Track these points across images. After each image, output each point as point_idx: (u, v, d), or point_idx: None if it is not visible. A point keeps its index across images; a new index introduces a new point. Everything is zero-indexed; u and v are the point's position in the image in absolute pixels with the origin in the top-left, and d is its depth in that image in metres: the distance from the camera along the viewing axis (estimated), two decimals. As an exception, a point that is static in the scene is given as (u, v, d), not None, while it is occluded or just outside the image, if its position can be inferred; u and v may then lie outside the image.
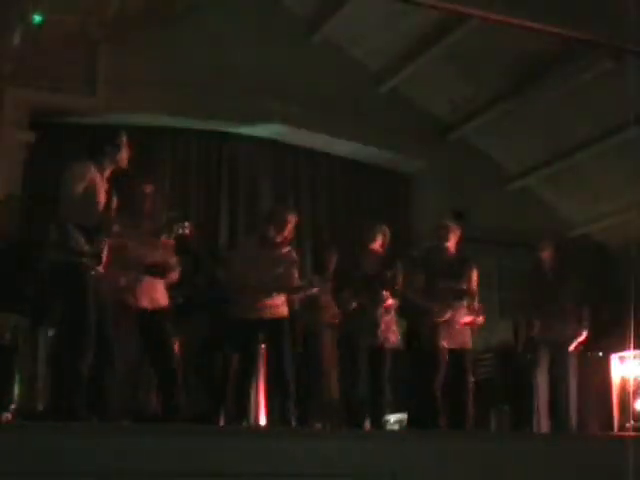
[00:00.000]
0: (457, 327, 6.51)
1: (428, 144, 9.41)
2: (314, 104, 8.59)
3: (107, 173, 5.14)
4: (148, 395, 6.10)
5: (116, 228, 5.13)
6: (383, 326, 6.42)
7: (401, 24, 8.16)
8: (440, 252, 6.61)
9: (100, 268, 4.96)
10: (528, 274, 7.30)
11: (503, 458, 4.78)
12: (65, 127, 8.22)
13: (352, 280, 6.40)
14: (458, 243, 6.64)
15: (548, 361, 6.95)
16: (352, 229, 8.17)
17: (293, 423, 5.90)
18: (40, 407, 5.96)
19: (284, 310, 6.19)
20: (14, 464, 3.79)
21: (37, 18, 6.79)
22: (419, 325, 6.50)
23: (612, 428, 7.77)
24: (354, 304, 6.35)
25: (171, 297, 5.79)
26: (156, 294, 5.66)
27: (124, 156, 5.17)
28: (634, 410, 7.92)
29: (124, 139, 5.18)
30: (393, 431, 6.13)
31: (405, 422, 6.70)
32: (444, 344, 6.43)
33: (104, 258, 5.00)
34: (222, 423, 6.32)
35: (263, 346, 6.38)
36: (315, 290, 6.54)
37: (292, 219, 6.24)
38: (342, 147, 9.31)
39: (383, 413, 6.34)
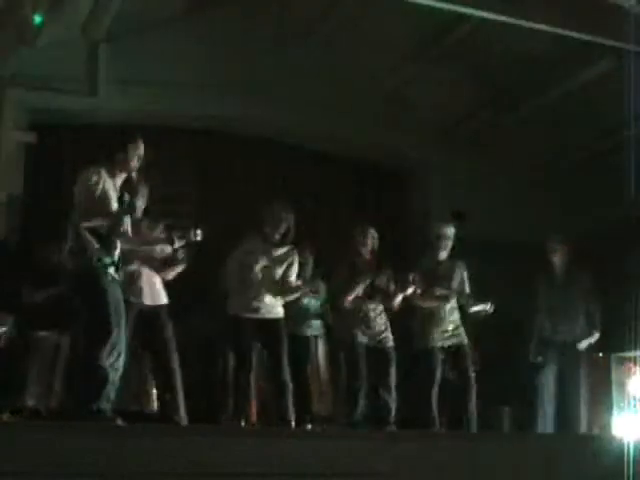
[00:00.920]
0: (451, 326, 6.55)
1: (428, 144, 9.40)
2: (313, 102, 8.59)
3: (119, 180, 5.16)
4: (147, 394, 6.11)
5: (127, 232, 5.17)
6: (382, 326, 6.44)
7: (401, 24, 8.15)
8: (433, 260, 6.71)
9: (114, 271, 5.00)
10: (537, 275, 7.30)
11: (503, 458, 4.79)
12: (65, 128, 8.23)
13: (350, 281, 6.42)
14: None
15: (556, 362, 6.96)
16: (352, 229, 8.19)
17: (292, 423, 5.90)
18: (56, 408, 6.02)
19: (280, 310, 6.19)
20: (14, 464, 3.80)
21: (37, 18, 6.79)
22: (412, 325, 6.56)
23: (611, 428, 7.77)
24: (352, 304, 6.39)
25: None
26: (157, 291, 5.70)
27: (135, 164, 5.18)
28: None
29: (139, 145, 5.19)
30: (393, 431, 6.12)
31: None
32: (437, 344, 6.47)
33: (119, 262, 5.05)
34: (221, 423, 6.33)
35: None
36: (313, 290, 6.53)
37: (287, 217, 6.23)
38: (342, 147, 9.32)
39: (387, 413, 6.34)
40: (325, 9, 7.97)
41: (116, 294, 5.04)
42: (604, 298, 7.22)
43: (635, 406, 7.71)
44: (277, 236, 6.21)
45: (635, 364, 7.97)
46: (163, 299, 5.80)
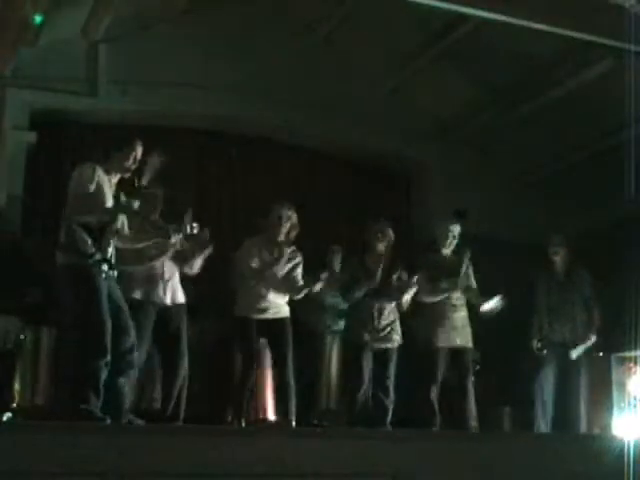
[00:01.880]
0: (458, 326, 6.54)
1: (428, 144, 9.40)
2: (314, 104, 8.59)
3: (114, 178, 5.15)
4: (152, 394, 6.11)
5: (126, 231, 5.16)
6: (388, 326, 6.43)
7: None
8: (439, 254, 6.70)
9: (107, 268, 4.97)
10: (538, 275, 7.30)
11: (503, 458, 4.79)
12: (66, 127, 8.22)
13: (359, 280, 6.41)
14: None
15: (556, 362, 6.95)
16: (352, 229, 8.19)
17: (294, 423, 5.90)
18: (42, 406, 5.99)
19: (286, 310, 6.20)
20: (14, 464, 3.80)
21: (37, 18, 6.78)
22: (417, 325, 6.55)
23: (611, 428, 7.76)
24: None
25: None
26: (176, 290, 5.70)
27: (131, 163, 5.17)
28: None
29: (135, 147, 5.17)
30: (393, 431, 6.12)
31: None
32: (442, 344, 6.45)
33: (111, 259, 5.02)
34: (225, 423, 6.33)
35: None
36: (318, 289, 6.54)
37: (289, 216, 6.23)
38: (342, 147, 9.31)
39: (387, 413, 6.34)
40: (325, 9, 7.97)
41: (115, 293, 5.01)
42: (604, 298, 7.22)
43: (635, 406, 7.70)
44: (281, 235, 6.22)
45: (635, 364, 7.95)
46: (181, 298, 5.79)
